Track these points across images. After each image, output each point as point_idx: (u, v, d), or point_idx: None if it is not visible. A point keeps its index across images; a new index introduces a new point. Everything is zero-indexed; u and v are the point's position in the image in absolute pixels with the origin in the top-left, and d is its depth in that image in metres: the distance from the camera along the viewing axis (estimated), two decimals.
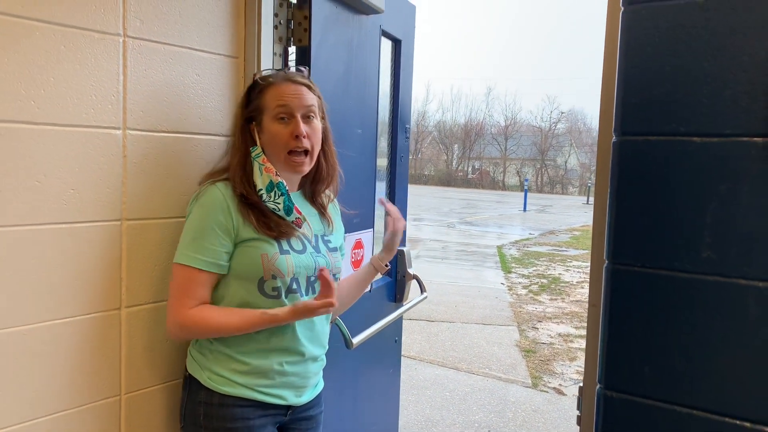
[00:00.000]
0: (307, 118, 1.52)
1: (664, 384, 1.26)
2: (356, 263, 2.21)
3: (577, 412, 1.45)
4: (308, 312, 1.44)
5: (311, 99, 1.53)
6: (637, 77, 1.28)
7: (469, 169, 50.31)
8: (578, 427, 1.44)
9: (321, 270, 1.43)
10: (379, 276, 1.87)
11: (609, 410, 1.32)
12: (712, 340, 1.23)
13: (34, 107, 1.33)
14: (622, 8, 1.29)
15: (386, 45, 2.44)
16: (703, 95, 1.22)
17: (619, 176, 1.31)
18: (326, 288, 1.42)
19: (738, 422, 1.20)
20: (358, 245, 2.23)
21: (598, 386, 1.35)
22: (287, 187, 1.51)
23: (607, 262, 1.34)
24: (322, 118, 1.59)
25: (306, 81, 1.56)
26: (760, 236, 1.18)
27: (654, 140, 1.27)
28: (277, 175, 1.50)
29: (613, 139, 1.33)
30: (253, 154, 1.52)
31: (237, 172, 1.50)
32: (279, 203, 1.50)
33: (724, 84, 1.20)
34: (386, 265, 1.82)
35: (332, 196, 1.72)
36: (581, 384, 1.45)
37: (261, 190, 1.49)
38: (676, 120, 1.24)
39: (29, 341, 1.36)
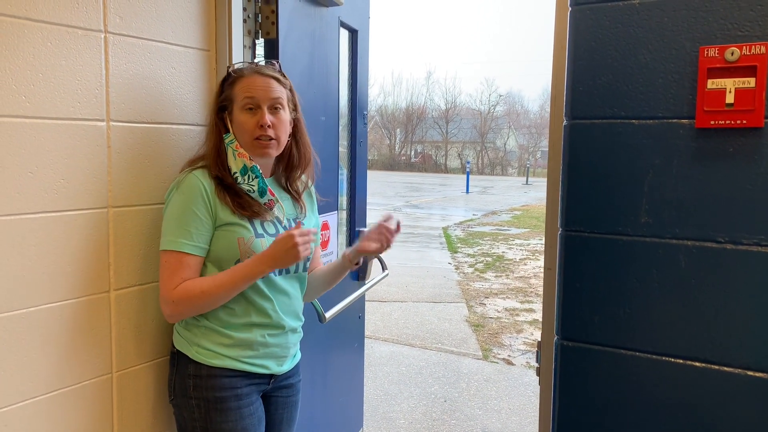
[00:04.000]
0: (273, 109, 1.59)
1: (611, 331, 1.46)
2: (324, 243, 2.33)
3: (536, 365, 1.63)
4: (289, 240, 1.50)
5: (279, 91, 1.60)
6: (583, 68, 1.46)
7: (412, 152, 50.42)
8: (537, 378, 1.62)
9: (297, 223, 1.59)
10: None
11: (565, 357, 1.51)
12: (649, 291, 1.43)
13: (24, 102, 1.38)
14: (570, 8, 1.46)
15: (344, 35, 2.55)
16: (640, 84, 1.41)
17: (570, 154, 1.49)
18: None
19: (672, 360, 1.41)
20: (325, 227, 2.35)
21: (555, 337, 1.53)
22: (261, 171, 1.59)
23: (560, 229, 1.52)
24: (293, 109, 1.66)
25: (275, 74, 1.62)
26: (688, 202, 1.39)
27: (599, 123, 1.46)
28: (250, 159, 1.58)
29: (564, 122, 1.51)
30: (226, 141, 1.59)
31: (212, 157, 1.58)
32: (254, 185, 1.58)
33: (656, 74, 1.40)
34: (356, 264, 1.85)
35: (309, 183, 1.78)
36: (538, 339, 1.63)
37: (236, 173, 1.57)
38: (618, 105, 1.44)
39: (27, 324, 1.42)
